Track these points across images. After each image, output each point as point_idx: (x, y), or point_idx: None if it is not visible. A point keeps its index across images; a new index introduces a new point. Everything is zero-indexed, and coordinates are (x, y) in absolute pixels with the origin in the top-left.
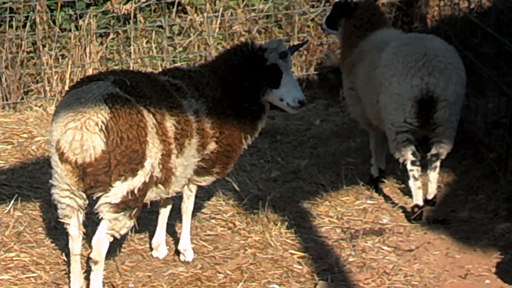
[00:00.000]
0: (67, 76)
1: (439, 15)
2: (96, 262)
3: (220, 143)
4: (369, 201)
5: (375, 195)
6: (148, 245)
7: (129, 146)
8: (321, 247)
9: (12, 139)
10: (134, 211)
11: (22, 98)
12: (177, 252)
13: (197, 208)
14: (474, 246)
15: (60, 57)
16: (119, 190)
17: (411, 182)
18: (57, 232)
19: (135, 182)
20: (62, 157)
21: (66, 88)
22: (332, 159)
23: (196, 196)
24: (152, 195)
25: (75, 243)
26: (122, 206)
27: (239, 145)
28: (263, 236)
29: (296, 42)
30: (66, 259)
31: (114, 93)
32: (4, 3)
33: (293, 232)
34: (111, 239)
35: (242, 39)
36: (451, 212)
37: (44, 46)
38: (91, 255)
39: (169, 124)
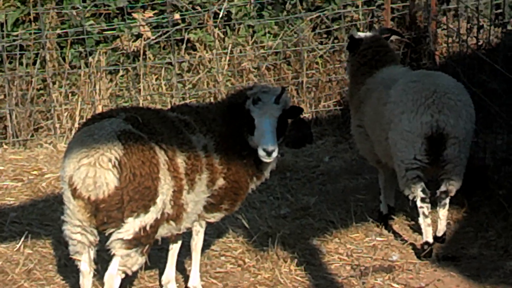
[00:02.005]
0: (77, 113)
1: (447, 52)
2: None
3: (227, 179)
4: (378, 238)
5: (385, 232)
6: (157, 283)
7: (141, 182)
8: (331, 285)
9: (22, 176)
10: (146, 248)
11: (32, 135)
12: None
13: (207, 245)
14: (484, 284)
15: (70, 94)
16: (131, 226)
17: (421, 219)
18: (67, 269)
19: (147, 219)
20: (75, 193)
21: (76, 125)
22: (341, 196)
23: (206, 233)
24: (163, 231)
25: (86, 279)
26: (134, 243)
27: (246, 184)
28: (272, 273)
29: (305, 79)
30: None
31: (127, 129)
32: (14, 40)
33: (303, 269)
34: (123, 275)
35: (251, 75)
36: (461, 249)
37: (54, 83)
38: None
39: (180, 160)
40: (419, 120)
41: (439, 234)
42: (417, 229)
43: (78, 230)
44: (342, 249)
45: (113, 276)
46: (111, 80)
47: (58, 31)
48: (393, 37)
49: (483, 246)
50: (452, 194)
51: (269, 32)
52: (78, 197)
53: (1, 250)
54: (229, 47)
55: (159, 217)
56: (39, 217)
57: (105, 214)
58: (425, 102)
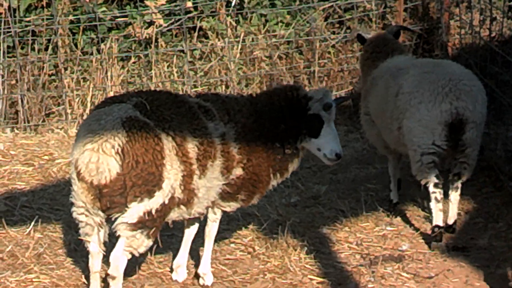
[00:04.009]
0: (88, 99)
1: (460, 43)
2: (113, 278)
3: (246, 169)
4: (388, 228)
5: (395, 221)
6: (167, 269)
7: (145, 168)
8: (340, 273)
9: (33, 161)
10: (153, 231)
11: (44, 121)
12: (197, 276)
13: (217, 232)
14: (493, 274)
15: (81, 80)
16: (135, 210)
17: (432, 204)
18: (77, 254)
19: (152, 203)
20: (79, 177)
21: (87, 111)
22: (351, 185)
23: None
24: (174, 215)
25: (95, 260)
26: (139, 225)
27: (267, 178)
28: (282, 261)
29: (317, 69)
30: (85, 281)
31: (133, 116)
32: (26, 26)
33: (312, 257)
34: (129, 256)
35: (263, 64)
36: (470, 240)
37: (66, 69)
38: (109, 271)
39: (191, 145)
40: (438, 109)
41: (450, 222)
42: (427, 219)
43: (82, 211)
44: (352, 238)
45: (119, 256)
46: (122, 67)
47: (71, 17)
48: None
49: (493, 237)
50: (465, 178)
51: (281, 21)
52: (82, 180)
53: (12, 234)
54: (241, 36)
55: (167, 201)
56: (50, 202)
57: (108, 199)
58: (442, 91)
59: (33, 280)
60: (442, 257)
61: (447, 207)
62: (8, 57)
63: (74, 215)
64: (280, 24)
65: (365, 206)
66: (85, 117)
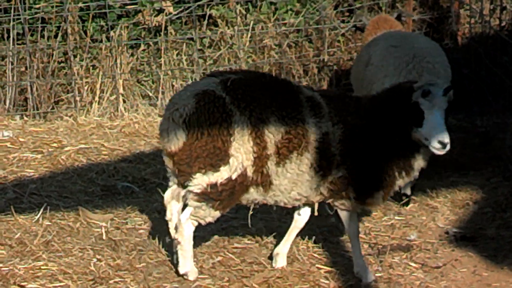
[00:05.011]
0: (98, 86)
1: (469, 32)
2: (178, 243)
3: (350, 170)
4: (396, 217)
5: (403, 211)
6: (175, 257)
7: (209, 141)
8: (348, 262)
9: (42, 148)
10: (218, 204)
11: (53, 108)
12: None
13: (224, 220)
14: (501, 264)
15: (91, 68)
16: (199, 181)
17: None
18: (85, 242)
19: (217, 177)
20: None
21: (96, 98)
22: None
23: None
24: (253, 196)
25: (171, 228)
26: (203, 197)
27: (388, 177)
28: (290, 250)
29: (326, 57)
30: (94, 269)
31: (209, 90)
32: (36, 13)
33: (320, 246)
34: (196, 223)
35: (272, 52)
36: (478, 230)
37: (75, 56)
38: (175, 236)
39: (271, 130)
40: None
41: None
42: (436, 210)
43: (169, 174)
44: (360, 228)
45: (183, 223)
46: (132, 55)
47: (80, 4)
48: (415, 17)
49: (501, 227)
50: None
51: (291, 10)
52: (162, 146)
53: (20, 221)
54: (251, 24)
55: (234, 177)
56: (58, 189)
57: (177, 167)
58: (406, 67)
59: (42, 267)
60: (450, 247)
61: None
62: (17, 44)
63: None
64: (289, 12)
65: None
66: (94, 104)
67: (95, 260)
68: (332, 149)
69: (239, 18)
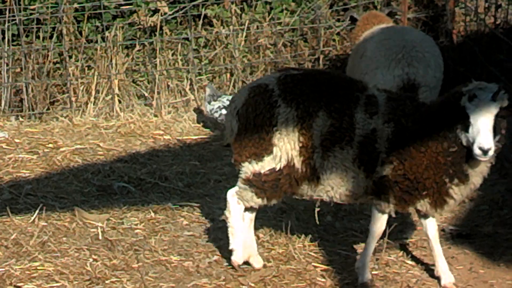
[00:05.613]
0: (93, 87)
1: (464, 31)
2: (226, 218)
3: (397, 172)
4: (392, 215)
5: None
6: (172, 256)
7: (254, 131)
8: (344, 261)
9: (37, 149)
10: (260, 192)
11: (48, 109)
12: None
13: (221, 220)
14: (498, 261)
15: (86, 68)
16: (246, 170)
17: None
18: (81, 242)
19: (261, 166)
20: None
21: (92, 99)
22: None
23: (219, 208)
24: (305, 191)
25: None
26: (247, 182)
27: (436, 183)
28: (286, 248)
29: (321, 56)
30: (90, 269)
31: (262, 84)
32: (31, 14)
33: (316, 245)
34: (240, 202)
35: (268, 52)
36: (475, 227)
37: (70, 57)
38: (225, 211)
39: (317, 123)
40: (391, 74)
41: None
42: None
43: None
44: (356, 226)
45: (229, 197)
46: (127, 55)
47: (75, 5)
48: (411, 15)
49: (497, 224)
50: None
51: (286, 9)
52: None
53: (16, 222)
54: (246, 23)
55: (278, 168)
56: (54, 190)
57: (233, 156)
58: (396, 58)
59: (38, 268)
60: (447, 244)
61: None
62: (13, 45)
63: None
64: (285, 11)
65: None
66: (89, 105)
67: (91, 260)
68: (377, 146)
69: (234, 18)
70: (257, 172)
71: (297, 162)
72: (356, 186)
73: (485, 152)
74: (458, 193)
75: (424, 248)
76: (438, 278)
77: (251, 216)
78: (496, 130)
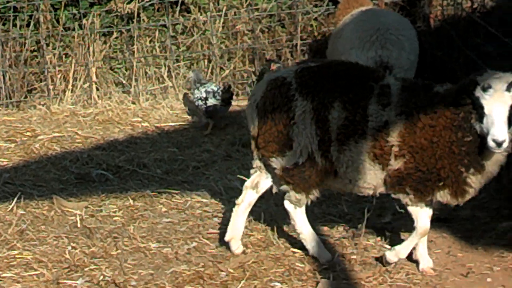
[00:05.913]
0: (71, 74)
1: (442, 15)
2: (294, 225)
3: (409, 165)
4: (371, 200)
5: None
6: (150, 243)
7: (273, 125)
8: (323, 245)
9: (15, 137)
10: (293, 187)
11: (26, 97)
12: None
13: (199, 206)
14: (476, 245)
15: (63, 56)
16: (274, 165)
17: None
18: (59, 230)
19: (284, 162)
20: None
21: (69, 86)
22: None
23: (199, 195)
24: (333, 184)
25: (234, 212)
26: (282, 180)
27: (454, 176)
28: (265, 234)
29: (299, 42)
30: (69, 257)
31: (280, 77)
32: (8, 2)
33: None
34: (291, 205)
35: (245, 38)
36: (453, 211)
37: (47, 45)
38: (291, 221)
39: (333, 115)
40: (365, 55)
41: None
42: None
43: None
44: (335, 211)
45: (287, 206)
46: (105, 42)
47: None
48: (388, 0)
49: (475, 208)
50: None
51: None
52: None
53: None
54: (224, 10)
55: (301, 162)
56: (32, 178)
57: (260, 151)
58: (370, 39)
59: (16, 256)
60: None
61: None
62: None
63: None
64: None
65: None
66: (67, 93)
67: (70, 248)
68: (389, 139)
69: (211, 4)
70: (284, 167)
71: (317, 156)
72: (373, 179)
73: (499, 144)
74: (476, 181)
75: (403, 232)
76: (416, 262)
77: (251, 200)
78: (510, 120)
